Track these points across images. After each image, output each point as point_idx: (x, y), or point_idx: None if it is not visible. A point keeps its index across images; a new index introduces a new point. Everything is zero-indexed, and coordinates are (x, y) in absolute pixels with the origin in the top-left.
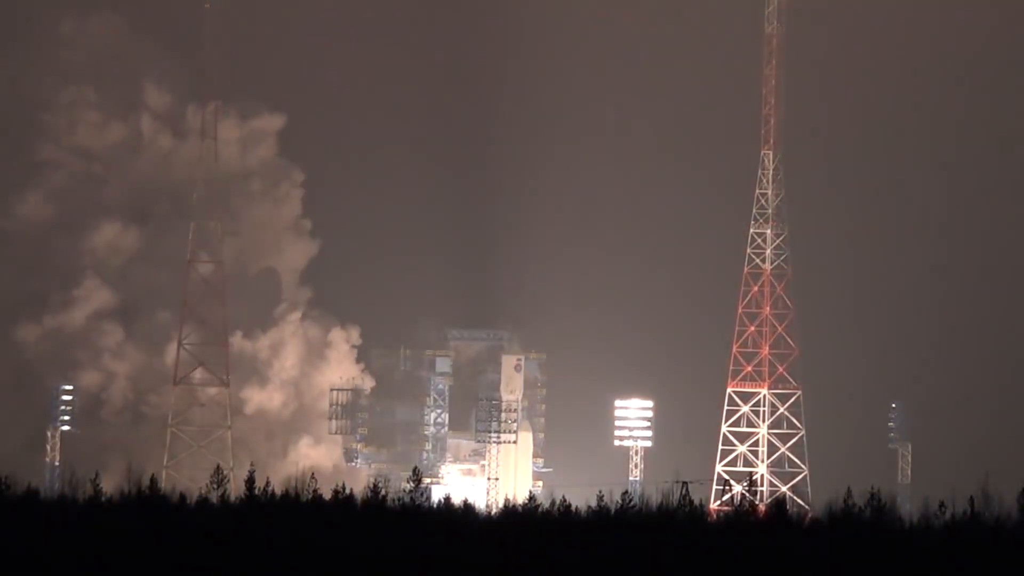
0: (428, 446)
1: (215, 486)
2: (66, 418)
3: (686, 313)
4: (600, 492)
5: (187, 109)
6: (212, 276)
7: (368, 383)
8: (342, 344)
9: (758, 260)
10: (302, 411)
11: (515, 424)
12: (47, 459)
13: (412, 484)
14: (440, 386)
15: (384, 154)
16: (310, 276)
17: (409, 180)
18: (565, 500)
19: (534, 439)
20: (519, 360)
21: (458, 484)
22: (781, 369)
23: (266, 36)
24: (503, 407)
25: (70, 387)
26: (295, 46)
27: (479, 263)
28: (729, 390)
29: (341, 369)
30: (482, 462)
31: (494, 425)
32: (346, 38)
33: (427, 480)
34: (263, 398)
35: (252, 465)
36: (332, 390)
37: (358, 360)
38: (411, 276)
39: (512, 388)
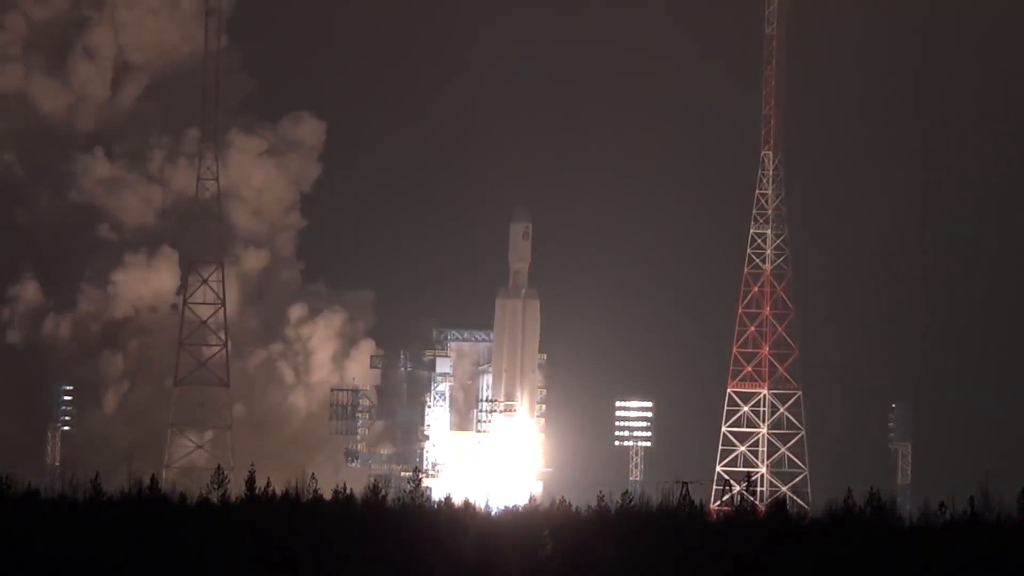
0: (428, 446)
1: (215, 486)
2: (66, 418)
3: (686, 313)
4: (600, 492)
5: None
6: (212, 276)
7: (374, 397)
8: (364, 357)
9: (758, 260)
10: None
11: (523, 290)
12: (47, 459)
13: (412, 484)
14: (440, 386)
15: (387, 152)
16: (311, 275)
17: (411, 180)
18: (565, 500)
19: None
20: (527, 227)
21: (458, 484)
22: (781, 369)
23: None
24: (512, 274)
25: (70, 387)
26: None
27: (480, 262)
28: (729, 390)
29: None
30: (479, 453)
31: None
32: (342, 38)
33: (427, 480)
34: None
35: (252, 465)
36: (332, 390)
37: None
38: (412, 276)
39: (520, 256)
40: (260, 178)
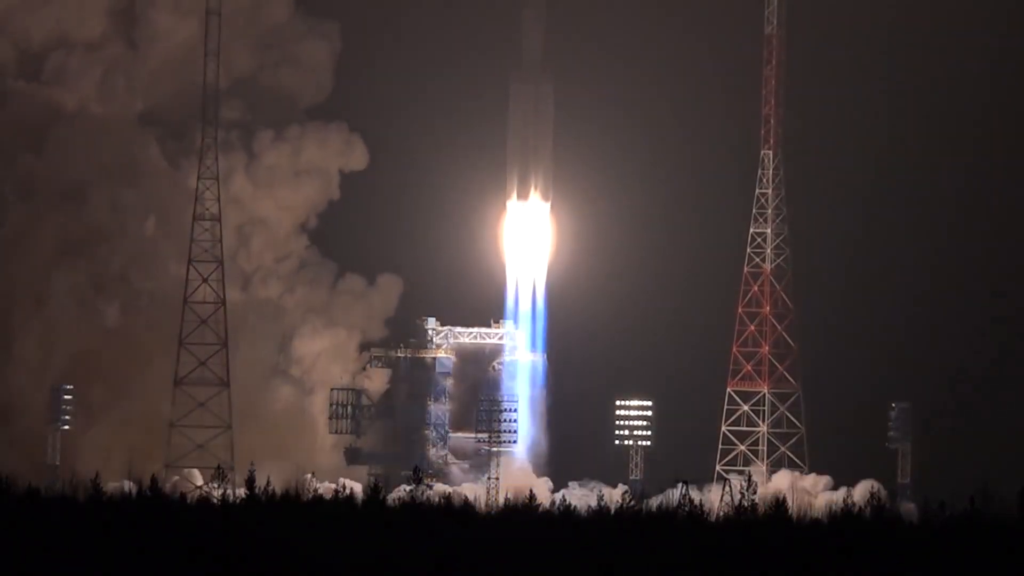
0: (429, 446)
1: (215, 486)
2: (66, 418)
3: (686, 313)
4: (600, 492)
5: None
6: (213, 276)
7: (375, 388)
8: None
9: (758, 260)
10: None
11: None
12: (47, 459)
13: (412, 484)
14: (441, 386)
15: (388, 151)
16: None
17: (412, 179)
18: (565, 500)
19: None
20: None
21: (459, 484)
22: (781, 369)
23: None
24: (524, 52)
25: (70, 387)
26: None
27: (480, 261)
28: (729, 390)
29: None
30: (483, 449)
31: (495, 425)
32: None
33: (427, 480)
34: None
35: (252, 465)
36: (333, 390)
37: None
38: (412, 275)
39: (534, 31)
40: (279, 193)
